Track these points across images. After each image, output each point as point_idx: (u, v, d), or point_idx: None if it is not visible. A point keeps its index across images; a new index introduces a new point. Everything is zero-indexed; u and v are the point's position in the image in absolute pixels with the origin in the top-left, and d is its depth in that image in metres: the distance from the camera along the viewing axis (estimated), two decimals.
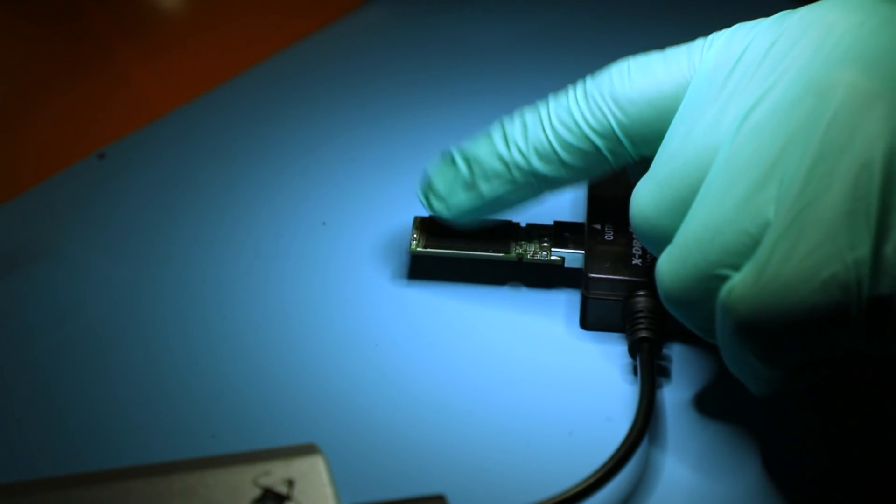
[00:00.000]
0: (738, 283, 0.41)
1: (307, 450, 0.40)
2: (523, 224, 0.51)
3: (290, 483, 0.39)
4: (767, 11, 0.45)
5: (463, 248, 0.50)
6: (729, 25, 0.46)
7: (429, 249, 0.51)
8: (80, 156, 0.56)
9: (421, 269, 0.52)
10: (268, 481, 0.39)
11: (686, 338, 0.49)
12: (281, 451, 0.40)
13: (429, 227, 0.51)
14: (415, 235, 0.51)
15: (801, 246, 0.40)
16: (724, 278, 0.41)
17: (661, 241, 0.44)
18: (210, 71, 0.60)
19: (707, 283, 0.42)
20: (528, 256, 0.50)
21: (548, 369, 0.48)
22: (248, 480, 0.39)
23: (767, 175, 0.41)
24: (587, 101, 0.47)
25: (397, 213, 0.53)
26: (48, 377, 0.48)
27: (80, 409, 0.47)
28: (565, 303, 0.51)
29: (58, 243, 0.53)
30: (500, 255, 0.50)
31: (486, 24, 0.64)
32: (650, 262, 0.49)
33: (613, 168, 0.47)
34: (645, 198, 0.45)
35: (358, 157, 0.57)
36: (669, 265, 0.43)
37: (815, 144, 0.40)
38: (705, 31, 0.46)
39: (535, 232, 0.51)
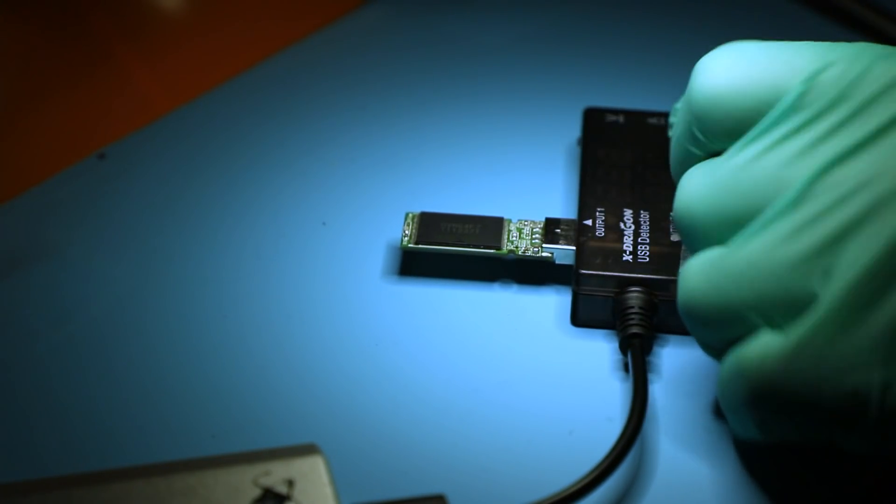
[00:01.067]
0: (768, 354, 0.40)
1: (307, 450, 0.40)
2: (514, 220, 0.51)
3: (290, 483, 0.39)
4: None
5: (454, 244, 0.51)
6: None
7: (420, 245, 0.51)
8: (80, 156, 0.56)
9: (416, 266, 0.52)
10: (268, 481, 0.39)
11: (677, 333, 0.49)
12: (281, 451, 0.40)
13: (420, 224, 0.51)
14: (406, 231, 0.51)
15: (843, 344, 0.38)
16: (749, 323, 0.40)
17: (697, 238, 0.43)
18: (210, 71, 0.60)
19: (730, 316, 0.41)
20: (520, 252, 0.50)
21: (544, 367, 0.48)
22: (248, 480, 0.39)
23: (832, 243, 0.39)
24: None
25: (397, 212, 0.53)
26: (49, 377, 0.48)
27: (81, 408, 0.47)
28: (556, 299, 0.51)
29: (58, 243, 0.53)
30: (492, 251, 0.50)
31: (486, 24, 0.64)
32: (641, 258, 0.49)
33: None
34: (698, 192, 0.42)
35: (358, 157, 0.57)
36: (699, 280, 0.42)
37: (891, 238, 0.38)
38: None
39: (526, 228, 0.51)
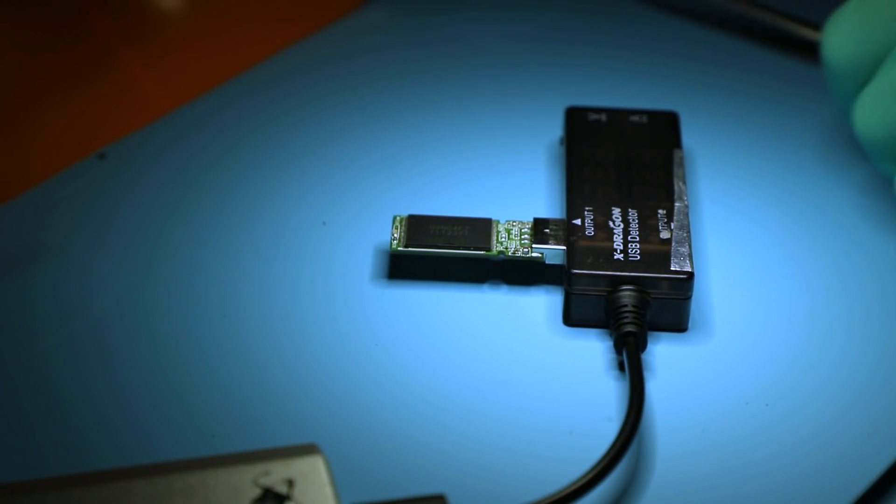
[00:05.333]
0: None
1: (307, 450, 0.40)
2: (503, 221, 0.51)
3: (290, 483, 0.39)
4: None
5: (444, 247, 0.51)
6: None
7: (409, 248, 0.51)
8: (80, 156, 0.56)
9: (410, 267, 0.52)
10: (268, 481, 0.39)
11: (669, 330, 0.49)
12: (281, 451, 0.40)
13: (408, 226, 0.51)
14: (395, 235, 0.51)
15: None
16: None
17: (848, 77, 0.46)
18: (210, 71, 0.60)
19: None
20: (509, 253, 0.51)
21: (539, 368, 0.48)
22: (248, 480, 0.39)
23: None
24: None
25: (397, 212, 0.53)
26: (49, 377, 0.48)
27: (82, 408, 0.47)
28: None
29: (58, 243, 0.53)
30: (481, 252, 0.50)
31: (486, 24, 0.64)
32: (632, 256, 0.49)
33: None
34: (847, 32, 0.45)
35: (358, 158, 0.57)
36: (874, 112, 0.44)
37: None
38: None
39: (515, 228, 0.51)
